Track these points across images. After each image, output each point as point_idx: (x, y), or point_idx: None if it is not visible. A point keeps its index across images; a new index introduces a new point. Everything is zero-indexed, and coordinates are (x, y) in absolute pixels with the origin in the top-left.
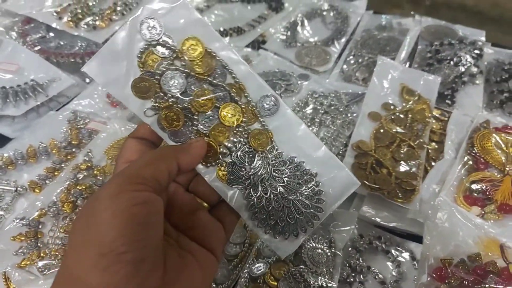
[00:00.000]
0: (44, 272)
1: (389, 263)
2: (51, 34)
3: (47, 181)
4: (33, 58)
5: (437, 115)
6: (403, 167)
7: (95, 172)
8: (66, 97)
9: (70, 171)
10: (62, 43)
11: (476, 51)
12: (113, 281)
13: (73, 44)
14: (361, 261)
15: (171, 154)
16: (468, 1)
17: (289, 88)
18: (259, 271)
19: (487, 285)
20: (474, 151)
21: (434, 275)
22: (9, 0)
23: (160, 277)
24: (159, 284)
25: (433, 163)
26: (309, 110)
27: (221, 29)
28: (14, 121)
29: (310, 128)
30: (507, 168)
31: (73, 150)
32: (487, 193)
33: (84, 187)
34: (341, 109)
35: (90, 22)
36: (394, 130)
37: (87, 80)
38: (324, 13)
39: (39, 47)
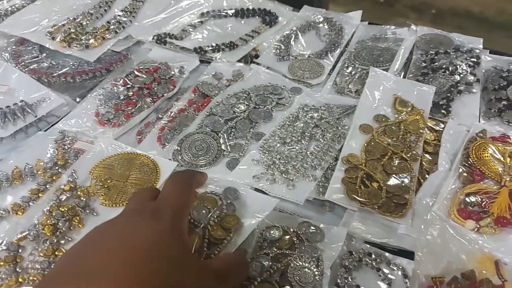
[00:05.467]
0: None
1: (379, 282)
2: (44, 54)
3: (30, 203)
4: (24, 79)
5: (431, 126)
6: (394, 181)
7: (79, 193)
8: (56, 117)
9: (53, 193)
10: (54, 63)
11: (473, 59)
12: None
13: (65, 63)
14: (350, 279)
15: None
16: (473, 9)
17: (280, 102)
18: None
19: None
20: (469, 162)
21: None
22: (5, 21)
23: None
24: None
25: (427, 176)
26: (299, 124)
27: (214, 44)
28: (2, 142)
29: (300, 143)
30: (504, 179)
31: (59, 170)
32: (483, 206)
33: (66, 209)
34: (331, 122)
35: (83, 41)
36: (385, 142)
37: (77, 99)
38: (319, 25)
39: (31, 67)
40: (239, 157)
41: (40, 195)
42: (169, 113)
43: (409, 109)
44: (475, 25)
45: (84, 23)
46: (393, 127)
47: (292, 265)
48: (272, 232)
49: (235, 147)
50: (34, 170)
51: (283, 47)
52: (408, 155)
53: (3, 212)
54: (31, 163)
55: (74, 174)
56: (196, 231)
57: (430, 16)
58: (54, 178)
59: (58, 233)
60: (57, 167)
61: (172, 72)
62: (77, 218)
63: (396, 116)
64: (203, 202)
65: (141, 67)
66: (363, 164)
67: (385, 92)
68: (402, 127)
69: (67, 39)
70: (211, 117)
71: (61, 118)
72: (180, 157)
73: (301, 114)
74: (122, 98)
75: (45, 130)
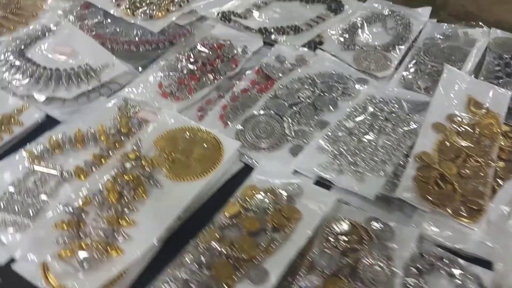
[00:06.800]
0: (85, 266)
1: None
2: (108, 20)
3: (93, 168)
4: (88, 43)
5: (506, 132)
6: (469, 184)
7: (143, 163)
8: (118, 84)
9: (118, 160)
10: (118, 30)
11: None
12: None
13: (129, 31)
14: (421, 283)
15: None
16: None
17: (346, 91)
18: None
19: None
20: None
21: None
22: None
23: None
24: None
25: (501, 183)
26: (367, 116)
27: (278, 26)
28: (64, 104)
29: (368, 135)
30: None
31: (122, 138)
32: None
33: (131, 177)
34: (402, 117)
35: (147, 11)
36: (460, 144)
37: (140, 69)
38: (386, 18)
39: (95, 32)
40: (303, 144)
41: (102, 160)
42: (232, 92)
43: (484, 111)
44: None
45: None
46: (468, 129)
47: (363, 261)
48: (340, 225)
49: (299, 133)
50: (97, 135)
51: (347, 36)
52: (483, 160)
53: (66, 175)
54: (93, 127)
55: (139, 142)
56: (256, 217)
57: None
58: (116, 145)
59: (122, 201)
60: (120, 135)
61: (235, 51)
62: (141, 188)
63: (470, 117)
64: (265, 193)
65: (205, 43)
66: (437, 164)
67: (459, 92)
68: (477, 130)
69: (132, 7)
70: (275, 100)
71: (124, 86)
72: (242, 138)
73: (369, 106)
74: (185, 72)
75: (108, 97)
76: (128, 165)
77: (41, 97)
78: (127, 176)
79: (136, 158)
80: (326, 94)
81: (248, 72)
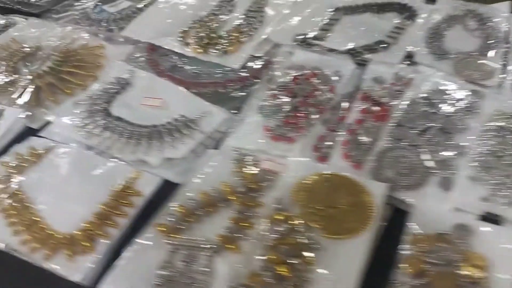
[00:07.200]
0: None
1: None
2: (183, 62)
3: (239, 235)
4: (175, 91)
5: None
6: None
7: (295, 222)
8: (220, 133)
9: (265, 224)
10: (197, 71)
11: None
12: None
13: (209, 72)
14: None
15: None
16: None
17: (469, 108)
18: None
19: None
20: None
21: None
22: (128, 26)
23: None
24: None
25: None
26: (503, 133)
27: (365, 44)
28: (173, 162)
29: None
30: None
31: (253, 195)
32: None
33: (291, 242)
34: None
35: (219, 47)
36: None
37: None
38: (463, 18)
39: (175, 77)
40: (451, 176)
41: (242, 224)
42: (345, 125)
43: None
44: None
45: (212, 26)
46: None
47: None
48: None
49: (441, 164)
50: (224, 195)
51: (435, 43)
52: None
53: (215, 246)
54: (216, 187)
55: (281, 200)
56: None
57: None
58: (250, 203)
59: (295, 273)
60: (250, 191)
61: (329, 78)
62: (306, 253)
63: None
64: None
65: (298, 75)
66: None
67: None
68: None
69: (202, 44)
70: (401, 129)
71: (225, 134)
72: (383, 178)
73: (500, 121)
74: (288, 109)
75: (214, 148)
76: (280, 228)
77: (154, 161)
78: (286, 241)
79: (286, 219)
80: (451, 114)
81: (344, 99)
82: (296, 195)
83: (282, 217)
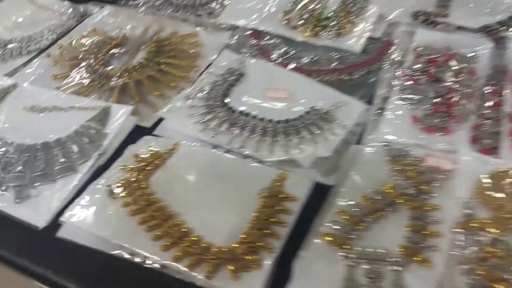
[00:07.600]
0: None
1: None
2: (294, 48)
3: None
4: (299, 80)
5: None
6: None
7: (495, 230)
8: (359, 125)
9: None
10: (314, 58)
11: None
12: None
13: (328, 57)
14: None
15: None
16: None
17: None
18: None
19: None
20: None
21: None
22: (224, 12)
23: None
24: None
25: None
26: None
27: (501, 20)
28: (315, 162)
29: None
30: None
31: (425, 197)
32: None
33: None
34: None
35: (330, 29)
36: None
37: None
38: None
39: (292, 65)
40: None
41: (424, 232)
42: (501, 112)
43: None
44: None
45: (311, 7)
46: None
47: None
48: None
49: None
50: (388, 197)
51: None
52: None
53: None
54: (374, 187)
55: (469, 203)
56: None
57: None
58: (426, 207)
59: None
60: (419, 193)
61: (468, 59)
62: None
63: None
64: None
65: (434, 57)
66: None
67: None
68: None
69: (310, 27)
70: None
71: (367, 127)
72: None
73: None
74: (434, 95)
75: (357, 143)
76: (480, 238)
77: (305, 160)
78: (493, 253)
79: (482, 226)
80: None
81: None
82: (478, 196)
83: (477, 224)
